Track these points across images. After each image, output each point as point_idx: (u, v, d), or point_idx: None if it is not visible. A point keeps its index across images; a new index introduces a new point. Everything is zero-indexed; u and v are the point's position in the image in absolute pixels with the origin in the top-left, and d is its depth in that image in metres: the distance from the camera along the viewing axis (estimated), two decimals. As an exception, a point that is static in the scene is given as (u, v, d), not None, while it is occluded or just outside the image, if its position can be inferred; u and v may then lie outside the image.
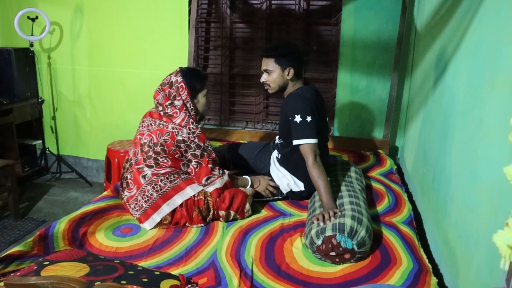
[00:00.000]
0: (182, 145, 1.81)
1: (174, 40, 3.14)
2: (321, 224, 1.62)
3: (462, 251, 1.34)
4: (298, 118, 1.89)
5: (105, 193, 2.12)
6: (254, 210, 1.96)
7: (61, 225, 1.71)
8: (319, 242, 1.57)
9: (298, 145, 1.90)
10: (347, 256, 1.55)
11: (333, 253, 1.55)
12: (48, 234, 1.65)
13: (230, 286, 1.41)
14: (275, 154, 2.17)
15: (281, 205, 2.06)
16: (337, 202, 1.78)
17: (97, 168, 3.68)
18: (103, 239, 1.70)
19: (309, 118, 1.88)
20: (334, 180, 2.00)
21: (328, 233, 1.56)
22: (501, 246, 0.67)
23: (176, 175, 1.86)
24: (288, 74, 1.97)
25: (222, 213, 1.86)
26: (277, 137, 2.21)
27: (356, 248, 1.54)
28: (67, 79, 3.53)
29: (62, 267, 1.32)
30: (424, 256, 1.58)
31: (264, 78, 2.01)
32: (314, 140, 1.87)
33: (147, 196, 1.82)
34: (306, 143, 1.87)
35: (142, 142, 1.87)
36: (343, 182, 1.98)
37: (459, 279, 1.37)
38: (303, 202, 2.08)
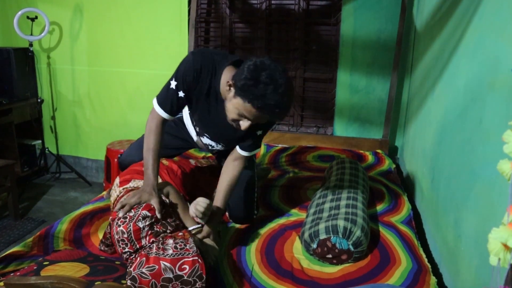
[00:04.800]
0: None
1: (174, 40, 3.14)
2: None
3: (462, 251, 1.34)
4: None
5: (104, 193, 2.11)
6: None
7: (63, 226, 1.70)
8: (314, 245, 1.57)
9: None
10: (344, 257, 1.55)
11: (329, 256, 1.55)
12: (48, 234, 1.65)
13: (228, 286, 1.41)
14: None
15: (280, 204, 2.06)
16: (334, 204, 1.76)
17: (96, 168, 3.67)
18: (103, 239, 1.69)
19: None
20: (339, 179, 1.99)
21: (322, 236, 1.56)
22: (492, 242, 0.67)
23: None
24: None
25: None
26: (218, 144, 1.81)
27: (352, 248, 1.54)
28: (66, 79, 3.53)
29: (62, 267, 1.31)
30: (423, 256, 1.58)
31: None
32: None
33: None
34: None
35: None
36: (348, 183, 1.96)
37: (458, 279, 1.37)
38: (303, 202, 2.08)
